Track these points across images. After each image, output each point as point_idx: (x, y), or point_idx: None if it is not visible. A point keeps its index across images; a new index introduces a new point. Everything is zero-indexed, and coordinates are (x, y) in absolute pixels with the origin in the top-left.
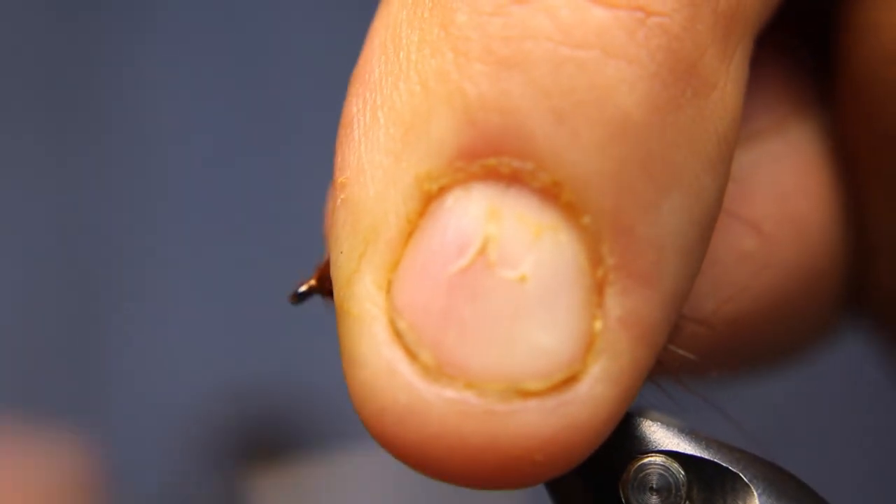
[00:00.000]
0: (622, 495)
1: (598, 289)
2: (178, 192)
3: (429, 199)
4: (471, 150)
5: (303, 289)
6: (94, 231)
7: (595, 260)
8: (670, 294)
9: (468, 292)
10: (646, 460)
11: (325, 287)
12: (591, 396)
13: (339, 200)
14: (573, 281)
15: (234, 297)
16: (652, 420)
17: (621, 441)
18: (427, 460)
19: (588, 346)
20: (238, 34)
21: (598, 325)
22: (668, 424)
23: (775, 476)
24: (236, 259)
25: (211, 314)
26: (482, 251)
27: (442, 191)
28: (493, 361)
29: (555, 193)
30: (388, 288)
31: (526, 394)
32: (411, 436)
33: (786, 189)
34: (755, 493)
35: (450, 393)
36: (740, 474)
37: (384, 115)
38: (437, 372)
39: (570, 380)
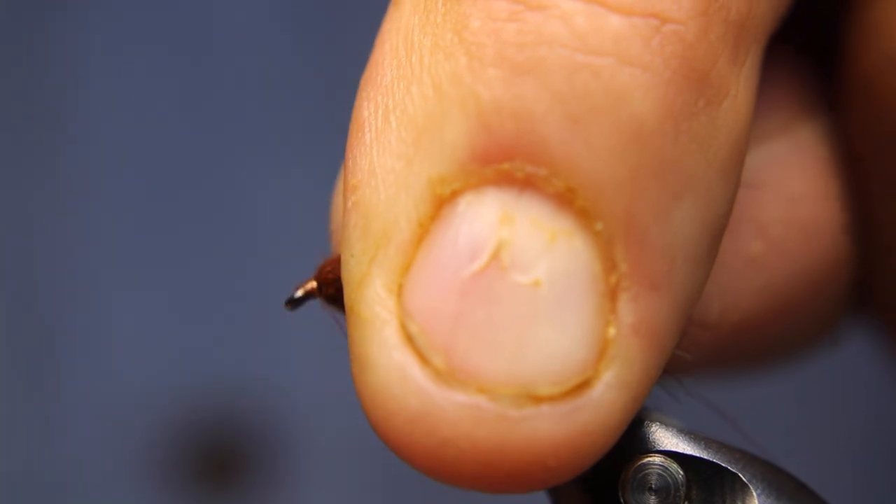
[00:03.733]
0: (621, 495)
1: (612, 295)
2: (124, 188)
3: (441, 204)
4: (484, 155)
5: (299, 293)
6: (37, 227)
7: (608, 266)
8: (682, 300)
9: (481, 297)
10: (645, 460)
11: (325, 291)
12: (603, 402)
13: (349, 203)
14: (587, 287)
15: (188, 298)
16: (651, 420)
17: (620, 441)
18: (439, 465)
19: (601, 351)
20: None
21: (611, 331)
22: (667, 425)
23: (774, 476)
24: (193, 260)
25: (163, 315)
26: (495, 255)
27: (454, 195)
28: (506, 366)
29: (569, 199)
30: (399, 292)
31: (538, 399)
32: (423, 440)
33: (793, 193)
34: (754, 493)
35: (461, 397)
36: (739, 474)
37: (396, 118)
38: (449, 376)
39: (582, 385)
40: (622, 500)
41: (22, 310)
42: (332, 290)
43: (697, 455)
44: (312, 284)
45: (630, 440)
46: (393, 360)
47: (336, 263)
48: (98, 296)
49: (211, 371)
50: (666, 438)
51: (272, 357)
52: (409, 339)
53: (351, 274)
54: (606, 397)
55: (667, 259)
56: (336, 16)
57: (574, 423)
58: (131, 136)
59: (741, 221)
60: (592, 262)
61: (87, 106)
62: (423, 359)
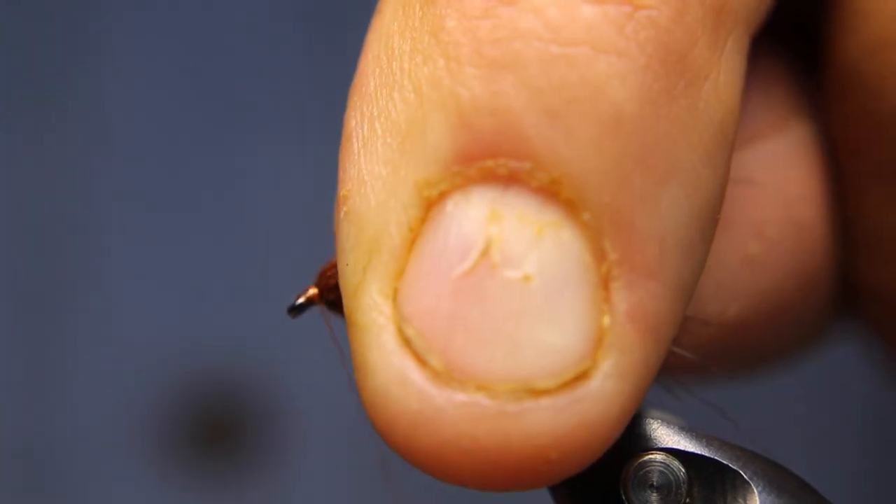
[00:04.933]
0: (623, 493)
1: (604, 284)
2: (130, 173)
3: (429, 206)
4: (467, 154)
5: (301, 300)
6: (44, 215)
7: (598, 255)
8: (675, 287)
9: (474, 295)
10: (646, 458)
11: (326, 297)
12: (603, 392)
13: (341, 214)
14: (578, 277)
15: (189, 270)
16: (652, 418)
17: (622, 439)
18: (442, 465)
19: (597, 341)
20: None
21: (605, 320)
22: (668, 422)
23: (775, 473)
24: (195, 242)
25: (164, 287)
26: (485, 253)
27: (442, 196)
28: (502, 362)
29: (554, 191)
30: (395, 296)
31: (537, 393)
32: (425, 442)
33: (789, 194)
34: (755, 491)
35: (461, 396)
36: (741, 472)
37: (381, 125)
38: (448, 376)
39: (580, 377)
40: (624, 498)
41: (27, 286)
42: (333, 296)
43: (699, 452)
44: (313, 291)
45: (631, 437)
46: (392, 364)
47: (335, 266)
48: (102, 267)
49: (211, 342)
50: (667, 436)
51: (271, 327)
52: (407, 343)
53: (347, 282)
54: (606, 387)
55: (657, 244)
56: (345, 14)
57: (574, 415)
58: (142, 124)
59: (739, 221)
60: (582, 252)
61: (101, 94)
62: (421, 361)
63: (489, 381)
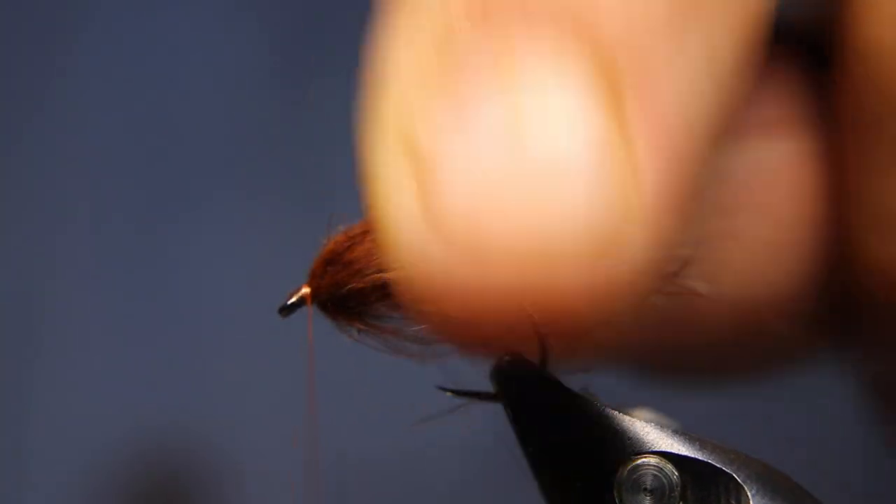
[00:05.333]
0: (616, 496)
1: (626, 143)
2: (89, 234)
3: (448, 75)
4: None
5: (293, 300)
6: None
7: (619, 116)
8: (693, 147)
9: (498, 159)
10: (640, 461)
11: (318, 297)
12: (631, 256)
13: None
14: (600, 137)
15: (140, 344)
16: (646, 421)
17: (615, 442)
18: (477, 310)
19: (623, 205)
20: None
21: (629, 182)
22: (661, 425)
23: (769, 476)
24: (150, 307)
25: (122, 363)
26: (509, 122)
27: (461, 63)
28: (528, 224)
29: (573, 53)
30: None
31: (565, 252)
32: (459, 285)
33: (805, 185)
34: (749, 494)
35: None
36: (734, 475)
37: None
38: (464, 245)
39: (609, 235)
40: (617, 501)
41: None
42: (325, 297)
43: (692, 455)
44: (306, 290)
45: (625, 440)
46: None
47: (324, 265)
48: (55, 339)
49: (159, 412)
50: (661, 439)
51: (219, 398)
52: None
53: (378, 186)
54: (634, 244)
55: (675, 102)
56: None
57: (604, 271)
58: (88, 193)
59: (758, 206)
60: (605, 114)
61: (57, 177)
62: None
63: (515, 240)
